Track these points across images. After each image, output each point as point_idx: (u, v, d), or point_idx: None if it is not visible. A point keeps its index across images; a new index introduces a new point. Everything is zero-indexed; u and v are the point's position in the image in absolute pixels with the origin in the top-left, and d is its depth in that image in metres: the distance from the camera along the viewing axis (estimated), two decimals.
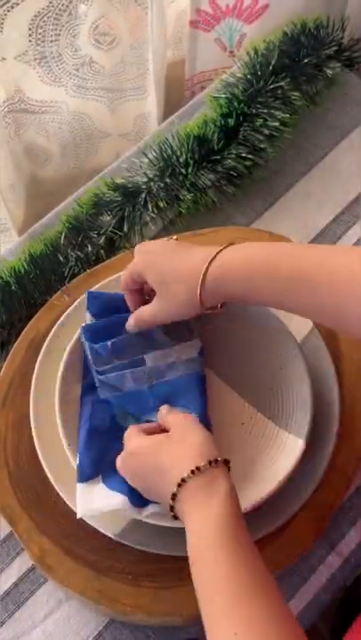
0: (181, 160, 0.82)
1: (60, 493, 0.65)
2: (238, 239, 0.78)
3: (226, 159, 0.83)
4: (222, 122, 0.84)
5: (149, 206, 0.82)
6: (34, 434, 0.68)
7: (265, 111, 0.85)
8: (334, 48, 0.90)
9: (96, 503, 0.61)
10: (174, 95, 1.07)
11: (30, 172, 1.02)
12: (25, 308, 0.77)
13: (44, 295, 0.77)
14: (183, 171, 0.82)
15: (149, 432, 0.60)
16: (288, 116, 0.86)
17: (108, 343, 0.67)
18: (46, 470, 0.66)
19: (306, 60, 0.88)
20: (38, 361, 0.70)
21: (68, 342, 0.69)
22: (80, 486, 0.62)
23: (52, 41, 0.81)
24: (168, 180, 0.82)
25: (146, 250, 0.65)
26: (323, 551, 0.70)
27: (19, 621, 0.67)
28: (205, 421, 0.65)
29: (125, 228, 0.81)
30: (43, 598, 0.68)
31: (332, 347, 0.72)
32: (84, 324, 0.69)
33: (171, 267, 0.62)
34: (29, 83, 0.86)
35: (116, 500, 0.60)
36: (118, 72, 0.92)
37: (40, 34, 0.79)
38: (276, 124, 0.85)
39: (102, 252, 0.80)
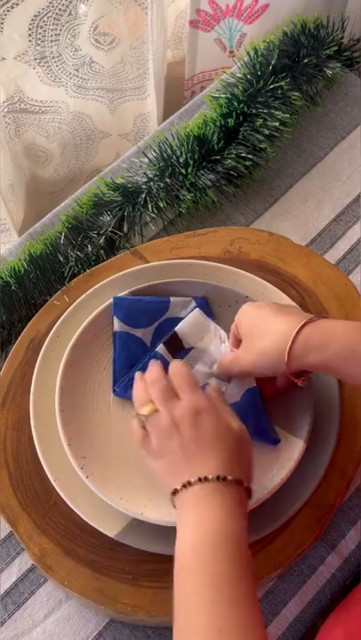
0: (181, 160, 0.82)
1: (60, 493, 0.65)
2: (238, 239, 0.79)
3: (226, 159, 0.83)
4: (222, 122, 0.84)
5: (149, 206, 0.82)
6: (34, 434, 0.68)
7: (265, 111, 0.85)
8: (334, 48, 0.90)
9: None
10: (174, 95, 1.07)
11: (30, 172, 1.02)
12: (25, 308, 0.77)
13: (44, 295, 0.77)
14: (183, 171, 0.82)
15: None
16: (288, 115, 0.86)
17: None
18: (46, 470, 0.66)
19: (306, 60, 0.88)
20: (38, 361, 0.70)
21: (68, 342, 0.69)
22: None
23: (52, 41, 0.81)
24: (168, 180, 0.82)
25: (254, 305, 0.65)
26: (323, 551, 0.70)
27: (19, 621, 0.67)
28: (266, 437, 0.66)
29: (125, 228, 0.81)
30: (43, 598, 0.68)
31: None
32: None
33: (264, 322, 0.62)
34: (29, 83, 0.86)
35: None
36: (118, 72, 0.92)
37: (40, 34, 0.79)
38: (276, 123, 0.85)
39: (102, 252, 0.80)
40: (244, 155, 0.84)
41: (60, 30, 0.80)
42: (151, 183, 0.83)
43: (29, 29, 0.78)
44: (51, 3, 0.76)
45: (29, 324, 0.75)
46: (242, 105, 0.85)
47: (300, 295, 0.75)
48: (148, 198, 0.82)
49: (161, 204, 0.82)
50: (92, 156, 1.05)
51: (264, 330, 0.62)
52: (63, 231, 0.80)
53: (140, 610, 0.64)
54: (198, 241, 0.79)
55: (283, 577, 0.68)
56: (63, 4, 0.77)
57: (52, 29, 0.79)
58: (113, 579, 0.65)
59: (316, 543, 0.69)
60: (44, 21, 0.78)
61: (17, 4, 0.74)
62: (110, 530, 0.64)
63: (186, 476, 0.55)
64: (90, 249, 0.79)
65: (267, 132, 0.85)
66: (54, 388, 0.68)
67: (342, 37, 0.92)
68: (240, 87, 0.86)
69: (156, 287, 0.72)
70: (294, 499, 0.66)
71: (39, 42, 0.80)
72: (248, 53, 0.88)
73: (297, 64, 0.88)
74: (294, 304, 0.71)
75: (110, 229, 0.80)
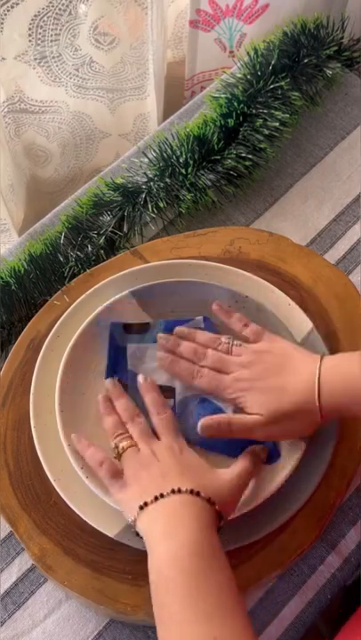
0: (181, 160, 0.82)
1: (60, 493, 0.65)
2: (238, 239, 0.79)
3: (226, 159, 0.83)
4: (222, 122, 0.84)
5: (149, 206, 0.82)
6: (34, 434, 0.68)
7: (265, 111, 0.85)
8: (334, 48, 0.90)
9: None
10: (174, 95, 1.07)
11: (30, 172, 1.02)
12: (25, 308, 0.77)
13: (44, 295, 0.77)
14: (183, 171, 0.82)
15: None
16: (288, 115, 0.86)
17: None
18: (46, 470, 0.66)
19: (306, 60, 0.88)
20: (38, 361, 0.71)
21: (69, 342, 0.69)
22: None
23: (52, 41, 0.81)
24: (168, 180, 0.82)
25: (241, 380, 0.64)
26: (323, 551, 0.70)
27: (19, 621, 0.67)
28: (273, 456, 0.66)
29: (125, 228, 0.81)
30: (43, 598, 0.68)
31: (332, 347, 0.72)
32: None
33: (276, 402, 0.61)
34: (29, 83, 0.86)
35: None
36: (118, 72, 0.92)
37: (40, 34, 0.79)
38: (276, 124, 0.85)
39: (102, 252, 0.80)
40: (244, 155, 0.84)
41: (60, 30, 0.80)
42: (151, 183, 0.83)
43: (29, 29, 0.78)
44: (51, 3, 0.76)
45: (29, 324, 0.75)
46: (242, 105, 0.85)
47: (300, 295, 0.75)
48: (148, 198, 0.82)
49: (161, 204, 0.82)
50: (92, 156, 1.05)
51: (284, 410, 0.60)
52: (63, 231, 0.80)
53: (140, 610, 0.64)
54: (198, 241, 0.79)
55: (283, 577, 0.68)
56: (63, 4, 0.77)
57: (52, 29, 0.79)
58: (113, 579, 0.65)
59: (316, 543, 0.69)
60: (44, 21, 0.78)
61: (17, 4, 0.74)
62: (110, 530, 0.64)
63: (158, 491, 0.56)
64: (90, 249, 0.79)
65: (267, 132, 0.85)
66: (54, 387, 0.68)
67: (342, 37, 0.92)
68: (240, 87, 0.86)
69: (156, 287, 0.72)
70: (294, 499, 0.66)
71: (39, 42, 0.80)
72: (248, 53, 0.88)
73: (297, 64, 0.88)
74: (292, 302, 0.72)
75: (110, 229, 0.80)
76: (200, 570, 0.51)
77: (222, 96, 0.86)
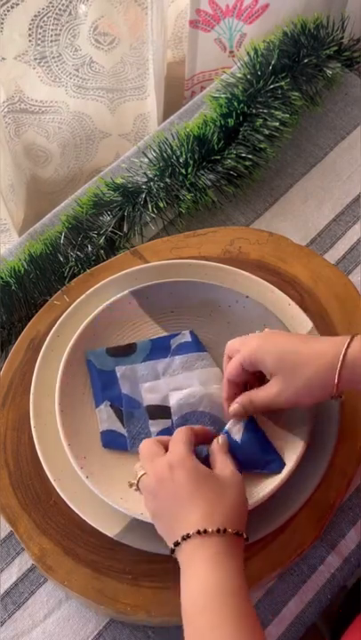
0: (181, 160, 0.82)
1: (60, 493, 0.65)
2: (238, 239, 0.79)
3: (226, 159, 0.83)
4: (222, 122, 0.84)
5: (149, 206, 0.82)
6: (34, 434, 0.68)
7: (265, 111, 0.85)
8: (334, 48, 0.90)
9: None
10: (174, 95, 1.07)
11: (30, 172, 1.02)
12: (25, 308, 0.77)
13: (44, 295, 0.77)
14: (183, 171, 0.82)
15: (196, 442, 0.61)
16: (288, 115, 0.86)
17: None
18: (46, 470, 0.66)
19: (306, 60, 0.88)
20: (38, 361, 0.70)
21: (69, 342, 0.69)
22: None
23: (52, 41, 0.81)
24: (168, 180, 0.82)
25: (262, 336, 0.62)
26: (323, 551, 0.70)
27: (19, 621, 0.67)
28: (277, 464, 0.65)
29: (125, 228, 0.81)
30: (43, 598, 0.68)
31: None
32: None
33: (294, 349, 0.59)
34: (29, 83, 0.86)
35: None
36: (118, 72, 0.92)
37: (40, 34, 0.79)
38: (276, 123, 0.85)
39: (102, 252, 0.80)
40: (244, 155, 0.84)
41: (60, 30, 0.80)
42: (151, 183, 0.83)
43: (29, 29, 0.78)
44: (51, 3, 0.76)
45: (29, 324, 0.75)
46: (242, 105, 0.85)
47: (300, 295, 0.75)
48: (148, 198, 0.82)
49: (161, 204, 0.82)
50: (92, 155, 1.05)
51: (300, 358, 0.59)
52: (63, 231, 0.80)
53: (140, 610, 0.64)
54: (198, 241, 0.79)
55: (283, 577, 0.68)
56: (63, 4, 0.77)
57: (52, 29, 0.79)
58: (113, 579, 0.65)
59: (316, 543, 0.69)
60: (44, 21, 0.78)
61: (17, 4, 0.74)
62: (110, 530, 0.64)
63: (176, 534, 0.55)
64: (90, 249, 0.79)
65: (267, 131, 0.85)
66: (54, 388, 0.68)
67: (342, 37, 0.92)
68: (240, 87, 0.86)
69: (156, 287, 0.72)
70: (294, 499, 0.66)
71: (39, 42, 0.80)
72: (248, 53, 0.88)
73: (297, 64, 0.88)
74: (294, 305, 0.72)
75: (110, 229, 0.80)
76: (222, 609, 0.51)
77: (222, 96, 0.86)
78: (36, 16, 0.77)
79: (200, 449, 0.62)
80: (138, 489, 0.59)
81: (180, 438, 0.59)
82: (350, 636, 0.64)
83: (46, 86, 0.88)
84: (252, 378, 0.64)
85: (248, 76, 0.87)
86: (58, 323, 0.72)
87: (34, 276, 0.78)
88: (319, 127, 0.90)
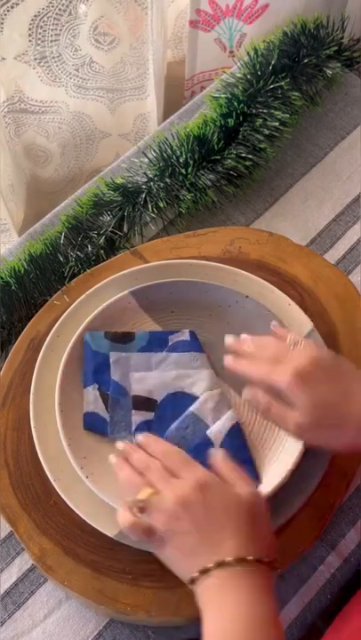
0: (181, 160, 0.82)
1: (60, 493, 0.65)
2: (238, 239, 0.79)
3: (226, 159, 0.83)
4: (222, 122, 0.84)
5: (149, 206, 0.82)
6: (34, 434, 0.68)
7: (265, 111, 0.85)
8: (334, 48, 0.90)
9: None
10: (174, 95, 1.07)
11: (30, 172, 1.02)
12: (25, 308, 0.77)
13: (44, 295, 0.77)
14: (183, 171, 0.82)
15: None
16: (288, 115, 0.86)
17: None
18: (46, 470, 0.66)
19: (306, 60, 0.88)
20: (38, 361, 0.71)
21: (69, 342, 0.69)
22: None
23: (52, 41, 0.81)
24: (168, 180, 0.82)
25: (302, 371, 0.58)
26: (323, 551, 0.70)
27: (19, 621, 0.67)
28: (252, 473, 0.65)
29: (125, 228, 0.81)
30: (43, 598, 0.68)
31: (332, 347, 0.72)
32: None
33: (334, 402, 0.57)
34: (29, 83, 0.86)
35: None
36: (118, 72, 0.92)
37: (40, 34, 0.79)
38: (276, 123, 0.85)
39: (102, 252, 0.80)
40: (244, 155, 0.84)
41: (60, 30, 0.80)
42: (151, 183, 0.83)
43: (29, 29, 0.78)
44: (51, 3, 0.76)
45: (29, 324, 0.75)
46: (242, 105, 0.85)
47: (300, 295, 0.75)
48: (148, 198, 0.82)
49: (161, 204, 0.82)
50: (92, 156, 1.05)
51: (339, 422, 0.57)
52: (63, 231, 0.80)
53: (140, 610, 0.64)
54: (198, 241, 0.79)
55: (283, 577, 0.68)
56: (63, 4, 0.77)
57: (52, 29, 0.79)
58: (113, 579, 0.65)
59: (316, 543, 0.69)
60: (44, 21, 0.78)
61: (17, 4, 0.74)
62: (110, 530, 0.64)
63: (202, 560, 0.52)
64: (90, 249, 0.79)
65: (267, 131, 0.85)
66: (54, 387, 0.68)
67: (342, 37, 0.92)
68: (240, 87, 0.86)
69: (156, 287, 0.72)
70: (294, 499, 0.66)
71: (39, 42, 0.80)
72: (248, 53, 0.88)
73: (297, 64, 0.88)
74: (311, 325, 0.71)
75: (110, 229, 0.80)
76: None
77: (222, 96, 0.86)
78: (36, 16, 0.77)
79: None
80: (140, 510, 0.55)
81: (186, 458, 0.58)
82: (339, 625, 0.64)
83: (46, 86, 0.88)
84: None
85: (248, 76, 0.87)
86: (58, 323, 0.72)
87: (34, 275, 0.78)
88: (319, 127, 0.90)
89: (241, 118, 0.85)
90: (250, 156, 0.84)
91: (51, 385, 0.68)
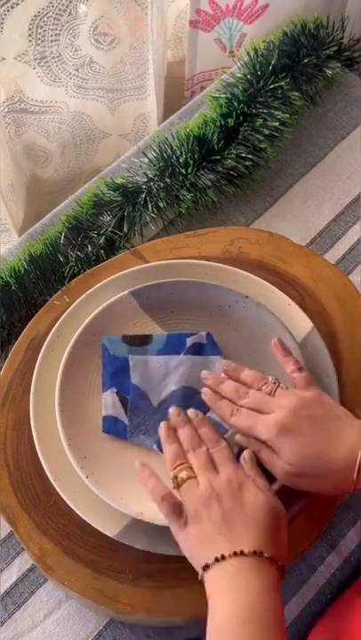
0: (181, 160, 0.82)
1: (60, 493, 0.65)
2: (238, 239, 0.79)
3: (226, 159, 0.83)
4: (222, 122, 0.84)
5: (149, 206, 0.82)
6: (34, 434, 0.68)
7: (265, 111, 0.85)
8: (334, 48, 0.90)
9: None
10: (174, 95, 1.07)
11: (30, 172, 1.02)
12: (25, 308, 0.77)
13: (44, 295, 0.77)
14: (183, 171, 0.82)
15: None
16: (288, 115, 0.86)
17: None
18: (46, 470, 0.66)
19: (306, 60, 0.88)
20: (38, 361, 0.70)
21: (69, 342, 0.69)
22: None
23: (52, 41, 0.81)
24: (168, 180, 0.82)
25: (283, 424, 0.60)
26: (323, 551, 0.70)
27: (19, 621, 0.67)
28: None
29: (125, 228, 0.81)
30: (43, 598, 0.68)
31: (332, 347, 0.72)
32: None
33: (317, 451, 0.58)
34: (29, 83, 0.86)
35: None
36: (118, 72, 0.92)
37: (40, 34, 0.79)
38: (276, 123, 0.85)
39: (102, 252, 0.80)
40: (244, 155, 0.84)
41: (60, 30, 0.80)
42: (151, 183, 0.83)
43: (29, 29, 0.78)
44: (51, 3, 0.76)
45: (29, 324, 0.75)
46: (242, 105, 0.85)
47: (300, 295, 0.75)
48: (148, 198, 0.82)
49: (161, 204, 0.82)
50: (92, 156, 1.05)
51: (322, 472, 0.58)
52: (63, 231, 0.80)
53: (140, 610, 0.64)
54: (198, 241, 0.79)
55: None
56: (63, 4, 0.77)
57: (52, 29, 0.79)
58: (113, 579, 0.65)
59: (316, 543, 0.69)
60: (44, 21, 0.78)
61: (17, 4, 0.74)
62: (110, 530, 0.64)
63: (220, 548, 0.54)
64: (90, 249, 0.79)
65: (267, 131, 0.85)
66: (54, 387, 0.68)
67: (342, 37, 0.92)
68: (240, 87, 0.86)
69: (156, 287, 0.72)
70: (294, 499, 0.66)
71: (39, 42, 0.80)
72: (248, 53, 0.88)
73: (297, 64, 0.88)
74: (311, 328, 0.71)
75: (110, 229, 0.80)
76: (256, 635, 0.51)
77: (222, 96, 0.86)
78: (36, 16, 0.77)
79: None
80: (177, 486, 0.59)
81: (232, 457, 0.61)
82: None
83: (46, 86, 0.88)
84: None
85: (248, 76, 0.87)
86: (58, 323, 0.72)
87: (34, 275, 0.78)
88: (319, 127, 0.90)
89: (241, 118, 0.85)
90: (250, 156, 0.84)
91: (51, 385, 0.68)
